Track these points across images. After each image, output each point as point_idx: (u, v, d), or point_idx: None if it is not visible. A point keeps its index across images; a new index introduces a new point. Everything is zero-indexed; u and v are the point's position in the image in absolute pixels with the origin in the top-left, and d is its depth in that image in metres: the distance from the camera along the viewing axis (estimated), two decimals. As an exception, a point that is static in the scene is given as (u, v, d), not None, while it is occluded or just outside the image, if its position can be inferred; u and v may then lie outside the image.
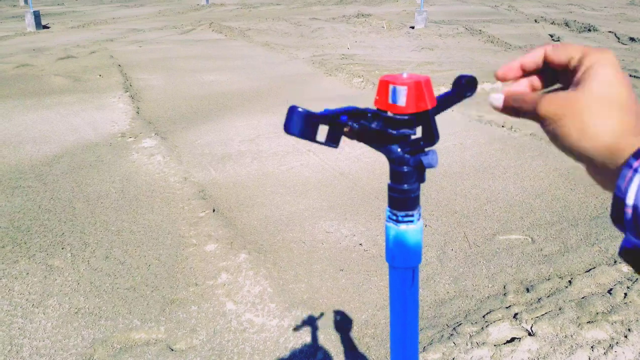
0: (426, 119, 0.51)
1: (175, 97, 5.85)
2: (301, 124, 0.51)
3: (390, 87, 0.49)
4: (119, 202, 3.29)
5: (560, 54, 0.50)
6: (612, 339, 1.86)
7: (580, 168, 2.63)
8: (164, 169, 3.79)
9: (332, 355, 1.94)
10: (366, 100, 5.49)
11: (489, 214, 2.98)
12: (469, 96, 0.54)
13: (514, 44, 8.37)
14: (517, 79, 0.55)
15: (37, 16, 11.82)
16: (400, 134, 0.52)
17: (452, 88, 0.54)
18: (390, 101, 0.49)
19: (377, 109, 0.53)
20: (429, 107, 0.49)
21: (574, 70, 0.48)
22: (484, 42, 8.72)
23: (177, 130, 4.68)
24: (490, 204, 3.08)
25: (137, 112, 5.26)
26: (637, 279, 2.19)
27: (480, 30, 9.69)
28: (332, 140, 0.54)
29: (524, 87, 0.54)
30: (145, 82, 6.54)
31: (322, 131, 0.54)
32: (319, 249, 2.68)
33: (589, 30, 9.72)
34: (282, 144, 4.22)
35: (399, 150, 0.53)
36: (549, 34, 9.37)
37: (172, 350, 2.02)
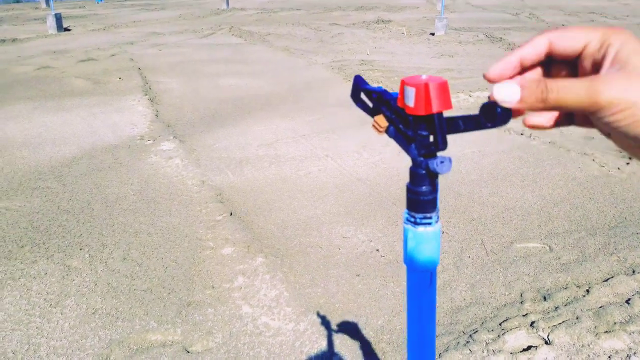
0: (432, 124, 0.51)
1: (194, 101, 5.91)
2: (353, 89, 0.59)
3: (405, 87, 0.50)
4: (137, 204, 3.33)
5: (568, 42, 0.44)
6: (630, 349, 1.83)
7: (600, 177, 2.59)
8: (182, 172, 3.83)
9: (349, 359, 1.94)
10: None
11: (506, 221, 2.95)
12: (496, 126, 0.48)
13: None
14: (514, 77, 0.47)
15: (58, 19, 12.06)
16: (414, 134, 0.53)
17: (480, 113, 0.48)
18: (405, 101, 0.50)
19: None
20: (435, 110, 0.49)
21: (595, 55, 0.43)
22: (505, 49, 8.66)
23: (195, 134, 4.73)
24: (508, 212, 3.06)
25: (156, 115, 5.33)
26: (658, 290, 2.16)
27: (500, 38, 9.62)
28: (369, 112, 0.59)
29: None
30: (165, 86, 6.63)
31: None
32: (336, 254, 2.69)
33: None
34: (301, 148, 4.25)
35: (415, 151, 0.54)
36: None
37: (188, 352, 2.04)
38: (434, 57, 8.13)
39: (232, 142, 4.47)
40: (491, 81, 0.47)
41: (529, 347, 1.88)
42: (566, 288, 2.24)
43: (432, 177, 0.54)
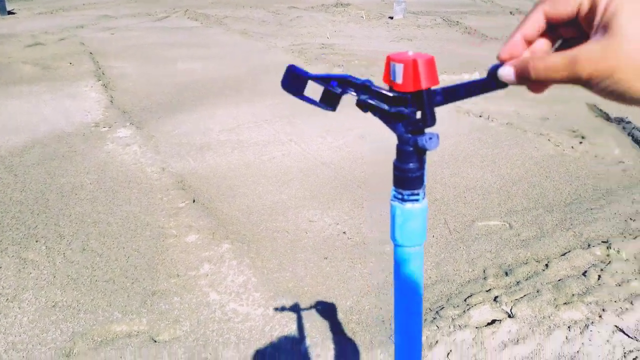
0: (421, 100, 0.51)
1: (150, 86, 5.74)
2: (289, 79, 0.56)
3: (392, 64, 0.49)
4: (95, 193, 3.22)
5: (562, 6, 0.45)
6: (588, 319, 1.92)
7: (555, 157, 2.68)
8: (140, 159, 3.73)
9: (318, 341, 1.95)
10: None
11: (468, 201, 3.02)
12: (502, 87, 0.51)
13: (491, 35, 8.46)
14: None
15: (1, 1, 11.42)
16: (397, 111, 0.52)
17: (487, 76, 0.51)
18: (391, 78, 0.50)
19: (373, 84, 0.53)
20: (424, 87, 0.49)
21: (588, 16, 0.44)
22: (461, 33, 8.80)
23: (153, 120, 4.60)
24: (469, 192, 3.13)
25: (111, 101, 5.15)
26: (610, 262, 2.26)
27: (457, 22, 9.76)
28: (327, 104, 0.55)
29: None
30: (119, 70, 6.40)
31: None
32: (303, 238, 2.68)
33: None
34: (263, 133, 4.20)
35: (402, 128, 0.53)
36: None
37: (155, 341, 2.01)
38: (393, 41, 8.17)
39: (192, 128, 4.38)
40: (503, 60, 0.50)
41: (494, 321, 1.94)
42: (526, 263, 2.32)
43: (419, 154, 0.54)
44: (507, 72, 0.48)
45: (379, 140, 4.03)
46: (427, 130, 0.53)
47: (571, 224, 2.66)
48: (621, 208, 2.79)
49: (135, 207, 3.03)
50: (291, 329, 2.03)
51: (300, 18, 10.81)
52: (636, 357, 1.74)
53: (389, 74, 0.50)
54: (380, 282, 2.30)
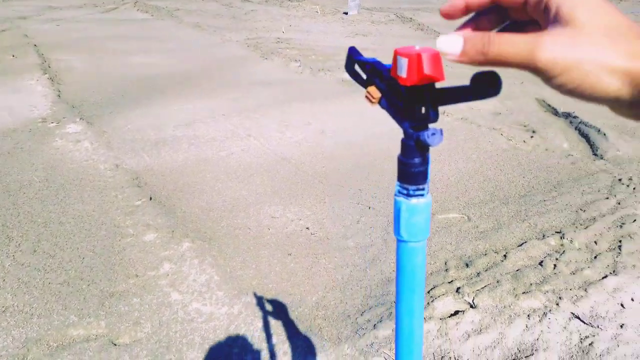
0: (424, 95, 0.51)
1: (100, 80, 5.53)
2: (348, 60, 0.59)
3: (398, 57, 0.48)
4: (44, 191, 3.08)
5: None
6: (546, 307, 1.99)
7: (508, 150, 2.76)
8: (92, 156, 3.59)
9: (285, 338, 1.93)
10: (307, 84, 5.47)
11: (427, 194, 3.07)
12: (489, 96, 0.49)
13: (443, 32, 8.64)
14: (459, 17, 0.47)
15: None
16: (405, 105, 0.52)
17: (470, 84, 0.49)
18: (397, 72, 0.49)
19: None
20: (427, 81, 0.48)
21: (538, 5, 0.41)
22: (415, 29, 8.94)
23: (104, 115, 4.44)
24: (429, 185, 3.18)
25: (59, 96, 4.93)
26: (564, 251, 2.36)
27: (410, 18, 9.92)
28: (364, 84, 0.58)
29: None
30: (66, 64, 6.13)
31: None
32: (266, 234, 2.65)
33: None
34: (221, 129, 4.12)
35: (406, 123, 0.53)
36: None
37: (115, 345, 1.93)
38: (348, 37, 8.21)
39: (145, 123, 4.25)
40: (443, 15, 0.47)
41: (457, 312, 1.98)
42: (485, 254, 2.39)
43: (423, 149, 0.53)
44: (453, 44, 0.41)
45: (339, 135, 4.05)
46: (430, 125, 0.53)
47: (526, 216, 2.75)
48: (572, 199, 2.92)
49: (88, 206, 2.91)
50: (257, 326, 2.00)
51: (255, 12, 10.69)
52: (592, 342, 1.82)
53: (396, 68, 0.49)
54: (345, 277, 2.31)
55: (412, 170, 0.54)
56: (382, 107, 0.55)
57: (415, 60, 0.46)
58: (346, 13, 10.66)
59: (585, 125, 3.98)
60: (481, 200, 2.97)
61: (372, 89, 0.54)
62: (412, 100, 0.51)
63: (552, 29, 0.39)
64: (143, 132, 4.06)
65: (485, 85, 0.47)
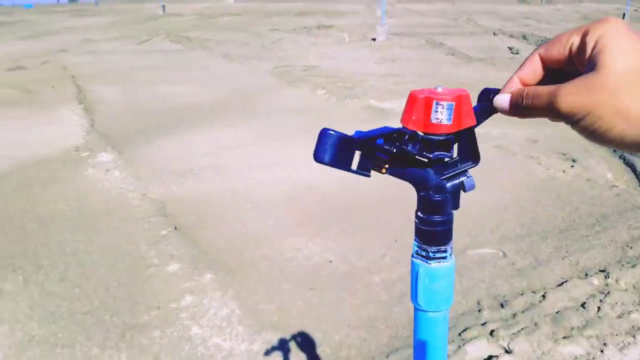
0: (468, 136, 0.47)
1: (132, 110, 5.65)
2: (334, 149, 0.44)
3: (435, 103, 0.42)
4: (74, 221, 3.11)
5: (556, 48, 0.44)
6: (589, 354, 1.84)
7: (547, 180, 2.63)
8: (121, 185, 3.62)
9: (307, 382, 1.84)
10: (332, 112, 5.45)
11: (459, 226, 2.95)
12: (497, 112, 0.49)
13: (474, 55, 8.56)
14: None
15: (-17, 24, 11.30)
16: (436, 156, 0.45)
17: (478, 103, 0.49)
18: (432, 120, 0.43)
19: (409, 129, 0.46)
20: (477, 121, 0.46)
21: (579, 54, 0.42)
22: (445, 54, 8.89)
23: (134, 144, 4.50)
24: (460, 217, 3.04)
25: (92, 126, 5.05)
26: (609, 292, 2.20)
27: (441, 43, 9.88)
28: (364, 169, 0.47)
29: None
30: (100, 94, 6.31)
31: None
32: (289, 267, 2.59)
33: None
34: (247, 157, 4.12)
35: (434, 175, 0.46)
36: (508, 47, 9.63)
37: (134, 381, 1.88)
38: (376, 63, 8.21)
39: (173, 153, 4.28)
40: (499, 109, 0.49)
41: (490, 357, 1.85)
42: (522, 294, 2.25)
43: (453, 202, 0.46)
44: (502, 100, 0.47)
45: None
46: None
47: (567, 252, 2.60)
48: (617, 235, 2.75)
49: (115, 236, 2.92)
50: (278, 367, 1.92)
51: (283, 40, 10.86)
52: (640, 394, 1.67)
53: (425, 117, 0.43)
54: (370, 314, 2.21)
55: (434, 228, 0.46)
56: (389, 173, 0.48)
57: (462, 102, 0.42)
58: (374, 39, 10.70)
59: (631, 154, 3.80)
60: (517, 235, 2.83)
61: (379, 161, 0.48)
62: (445, 149, 0.45)
63: (580, 76, 0.41)
64: (171, 161, 4.09)
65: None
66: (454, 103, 0.42)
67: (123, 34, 12.28)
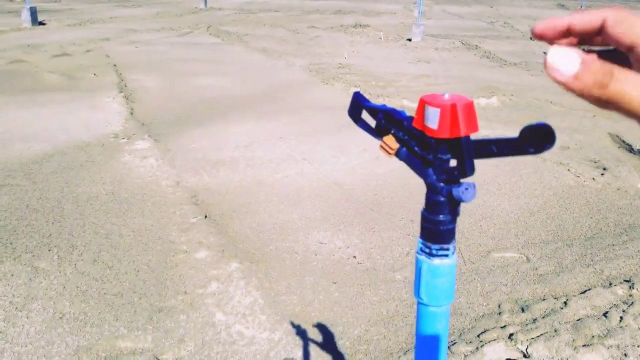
0: (458, 147, 0.47)
1: (170, 100, 5.79)
2: (352, 106, 0.57)
3: (426, 107, 0.45)
4: (109, 204, 3.23)
5: (627, 28, 0.36)
6: (608, 363, 1.83)
7: (575, 188, 2.59)
8: (156, 172, 3.73)
9: (324, 371, 1.89)
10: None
11: (483, 230, 2.95)
12: (540, 152, 0.44)
13: (509, 60, 8.41)
14: (554, 41, 0.39)
15: (33, 12, 11.71)
16: (434, 158, 0.48)
17: (519, 137, 0.44)
18: (425, 123, 0.46)
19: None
20: (462, 133, 0.44)
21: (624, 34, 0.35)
22: (480, 57, 8.77)
23: (170, 133, 4.63)
24: (485, 220, 3.06)
25: (131, 113, 5.20)
26: (632, 302, 2.17)
27: (476, 46, 9.74)
28: (378, 133, 0.55)
29: None
30: (140, 83, 6.48)
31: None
32: (312, 260, 2.64)
33: (583, 49, 9.80)
34: (277, 151, 4.19)
35: (433, 176, 0.49)
36: (544, 52, 9.41)
37: (159, 360, 1.97)
38: (411, 63, 8.17)
39: (208, 143, 4.38)
40: (534, 35, 0.39)
41: (507, 360, 1.86)
42: (544, 299, 2.24)
43: (452, 205, 0.49)
44: (569, 61, 0.35)
45: (394, 162, 3.98)
46: (463, 180, 0.48)
47: (592, 260, 2.57)
48: (644, 245, 2.70)
49: (148, 220, 3.02)
50: (296, 356, 1.97)
51: (320, 38, 10.89)
52: (658, 406, 1.66)
53: (422, 118, 0.46)
54: (390, 311, 2.24)
55: (437, 228, 0.49)
56: (401, 158, 0.51)
57: (449, 111, 0.43)
58: (410, 40, 10.63)
59: (663, 166, 3.71)
60: (542, 240, 2.81)
61: (389, 139, 0.51)
62: (441, 152, 0.47)
63: None
64: (205, 151, 4.19)
65: (535, 139, 0.42)
66: (439, 109, 0.44)
67: (165, 25, 12.55)
